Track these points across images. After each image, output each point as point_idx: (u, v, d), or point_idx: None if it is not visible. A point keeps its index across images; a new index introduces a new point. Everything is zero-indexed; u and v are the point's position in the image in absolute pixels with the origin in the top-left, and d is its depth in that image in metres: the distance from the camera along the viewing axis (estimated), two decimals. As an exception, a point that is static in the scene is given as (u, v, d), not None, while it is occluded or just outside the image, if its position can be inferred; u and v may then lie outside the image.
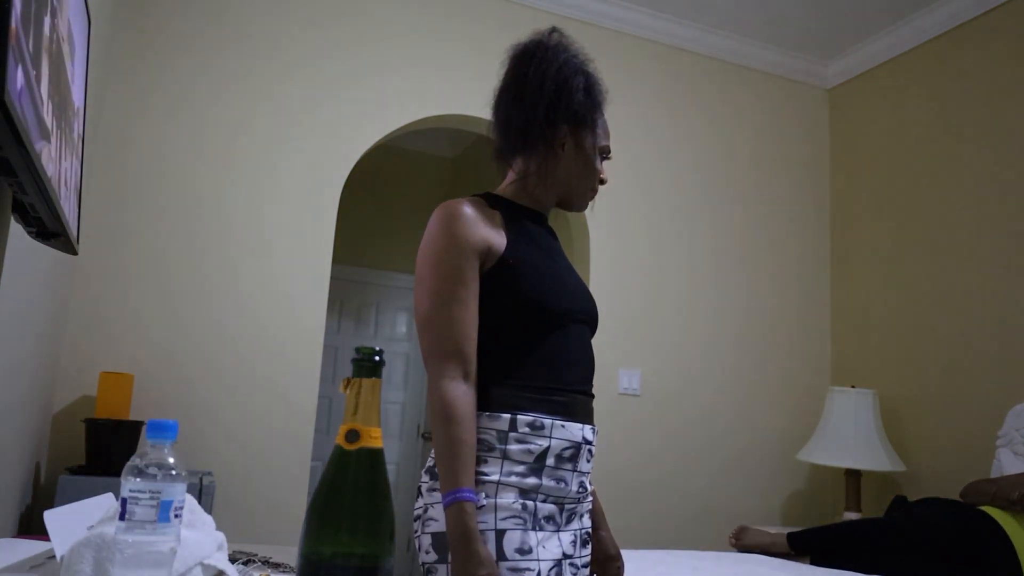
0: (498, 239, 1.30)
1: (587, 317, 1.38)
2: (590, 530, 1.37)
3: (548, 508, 1.25)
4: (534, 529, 1.22)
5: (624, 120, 3.78)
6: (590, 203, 1.46)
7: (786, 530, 3.28)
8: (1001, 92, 3.33)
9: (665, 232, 3.78)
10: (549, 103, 1.35)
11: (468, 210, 1.30)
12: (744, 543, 2.76)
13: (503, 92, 1.40)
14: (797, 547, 2.63)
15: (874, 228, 3.87)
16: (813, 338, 4.01)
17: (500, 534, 1.20)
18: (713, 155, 3.95)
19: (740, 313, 3.87)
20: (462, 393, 1.22)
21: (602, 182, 1.44)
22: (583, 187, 1.42)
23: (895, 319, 3.68)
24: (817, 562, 2.57)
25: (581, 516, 1.32)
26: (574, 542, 1.28)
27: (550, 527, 1.25)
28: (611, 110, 3.75)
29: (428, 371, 1.25)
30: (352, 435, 0.78)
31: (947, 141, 3.54)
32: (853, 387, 3.46)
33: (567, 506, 1.28)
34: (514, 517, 1.21)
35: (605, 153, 1.44)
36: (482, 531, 1.19)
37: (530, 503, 1.23)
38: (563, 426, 1.27)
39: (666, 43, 3.92)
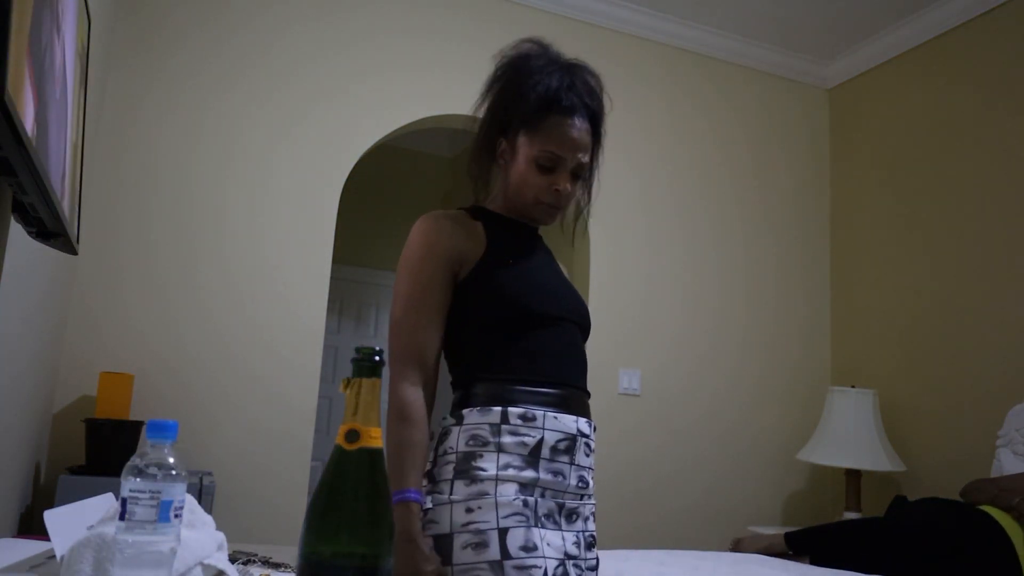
0: (476, 248, 1.33)
1: (576, 318, 1.38)
2: (595, 533, 1.36)
3: (547, 505, 1.24)
4: (537, 526, 1.21)
5: (624, 120, 3.78)
6: (550, 216, 1.37)
7: (785, 530, 3.27)
8: (1001, 92, 3.33)
9: (665, 231, 3.78)
10: (488, 117, 1.38)
11: (446, 222, 1.33)
12: (742, 550, 2.75)
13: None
14: (795, 547, 2.63)
15: (874, 228, 3.87)
16: (813, 338, 4.01)
17: (503, 532, 1.19)
18: (713, 155, 3.95)
19: (740, 313, 3.87)
20: (418, 397, 1.26)
21: (557, 194, 1.33)
22: (525, 199, 1.35)
23: (895, 319, 3.68)
24: (817, 562, 2.57)
25: (586, 519, 1.31)
26: (577, 543, 1.27)
27: (550, 524, 1.24)
28: (611, 110, 3.75)
29: (390, 373, 1.28)
30: (352, 435, 0.77)
31: (947, 141, 3.54)
32: (853, 387, 3.46)
33: (568, 504, 1.28)
34: (516, 515, 1.20)
35: (544, 160, 1.31)
36: (484, 531, 1.19)
37: (531, 499, 1.22)
38: (556, 417, 1.27)
39: (666, 43, 3.92)
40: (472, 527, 1.19)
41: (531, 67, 1.34)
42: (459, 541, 1.19)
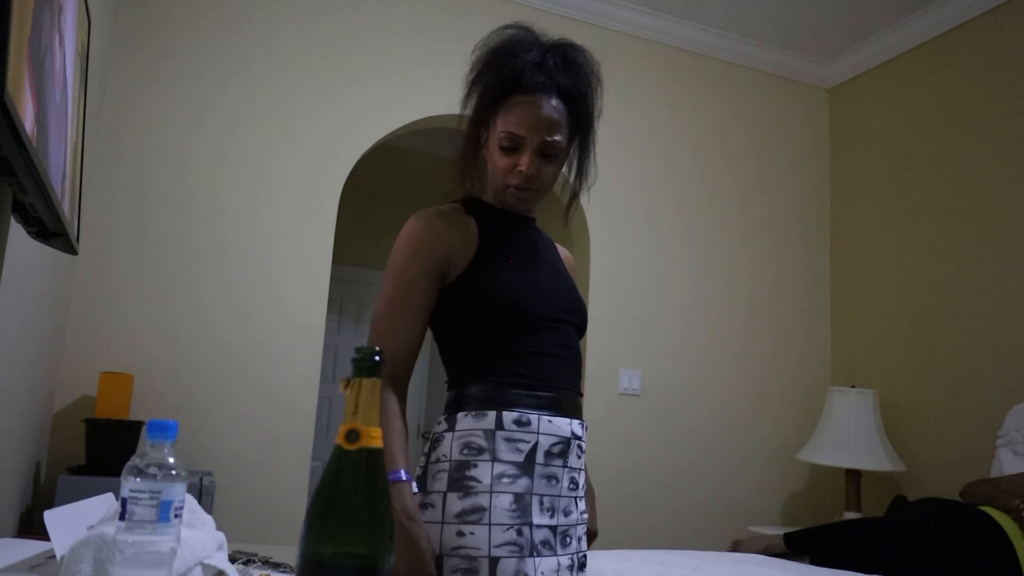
0: (467, 247, 1.31)
1: (570, 317, 1.36)
2: (586, 553, 1.35)
3: (542, 534, 1.22)
4: (531, 555, 1.19)
5: (625, 120, 3.78)
6: (521, 199, 1.33)
7: (785, 530, 3.27)
8: (1001, 92, 3.33)
9: (666, 231, 3.78)
10: (471, 110, 1.36)
11: (435, 222, 1.31)
12: (741, 551, 2.75)
13: None
14: (795, 547, 2.63)
15: (874, 228, 3.87)
16: (813, 338, 4.01)
17: (494, 562, 1.17)
18: (714, 155, 3.95)
19: (740, 313, 3.87)
20: (391, 394, 1.26)
21: (520, 175, 1.30)
22: (496, 184, 1.35)
23: (895, 319, 3.68)
24: (817, 562, 2.57)
25: (579, 539, 1.30)
26: (571, 566, 1.26)
27: (546, 551, 1.22)
28: (611, 110, 3.75)
29: None
30: (352, 435, 0.77)
31: (947, 141, 3.54)
32: (853, 387, 3.46)
33: (560, 528, 1.26)
34: (509, 544, 1.18)
35: (505, 141, 1.29)
36: (475, 557, 1.17)
37: (526, 529, 1.20)
38: (550, 421, 1.26)
39: (667, 43, 3.92)
40: (463, 552, 1.17)
41: (505, 52, 1.32)
42: (448, 565, 1.18)
